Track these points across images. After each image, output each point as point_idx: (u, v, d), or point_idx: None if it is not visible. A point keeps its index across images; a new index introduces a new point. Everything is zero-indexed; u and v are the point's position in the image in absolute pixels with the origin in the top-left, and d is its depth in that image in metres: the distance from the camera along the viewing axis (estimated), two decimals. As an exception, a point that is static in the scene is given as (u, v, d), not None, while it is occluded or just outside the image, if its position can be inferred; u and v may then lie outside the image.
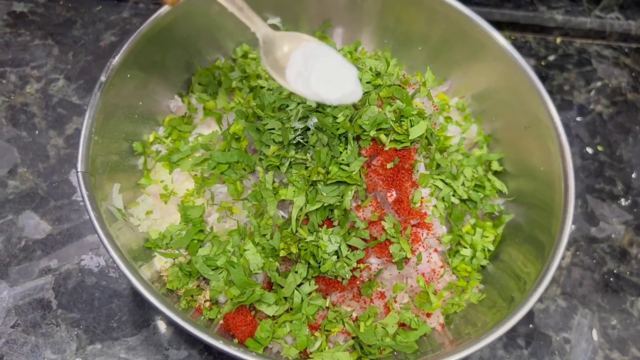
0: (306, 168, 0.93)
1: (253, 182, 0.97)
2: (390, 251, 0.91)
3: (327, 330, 0.93)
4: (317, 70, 0.86)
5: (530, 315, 1.12)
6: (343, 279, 0.91)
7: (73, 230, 1.11)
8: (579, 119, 1.40)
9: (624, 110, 1.43)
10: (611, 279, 1.18)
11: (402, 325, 0.96)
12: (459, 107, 1.20)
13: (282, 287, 0.91)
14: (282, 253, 0.91)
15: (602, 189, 1.30)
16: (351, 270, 0.91)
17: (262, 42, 0.89)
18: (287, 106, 0.97)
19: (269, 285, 0.94)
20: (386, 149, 0.92)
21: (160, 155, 1.05)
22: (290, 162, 0.94)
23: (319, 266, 0.90)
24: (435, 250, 0.98)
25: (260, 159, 0.96)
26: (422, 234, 0.94)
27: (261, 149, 0.96)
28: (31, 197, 1.14)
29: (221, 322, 0.93)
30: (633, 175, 1.32)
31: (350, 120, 0.93)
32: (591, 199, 1.28)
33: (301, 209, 0.91)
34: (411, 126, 0.93)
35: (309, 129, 0.94)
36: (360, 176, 0.91)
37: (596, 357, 1.10)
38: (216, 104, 1.09)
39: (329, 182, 0.91)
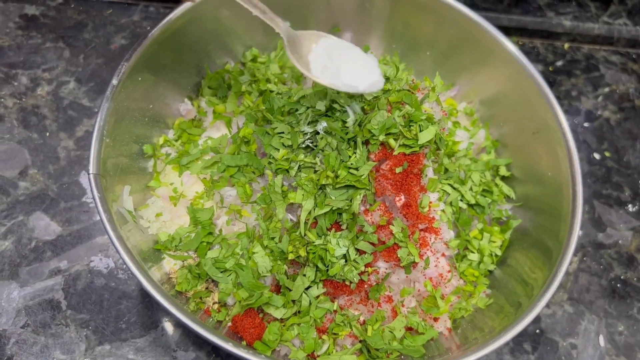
0: (315, 172, 0.94)
1: (262, 186, 0.98)
2: (398, 255, 0.91)
3: (335, 334, 0.93)
4: (344, 63, 0.91)
5: (537, 321, 1.12)
6: (351, 282, 0.92)
7: (83, 231, 1.12)
8: (586, 124, 1.40)
9: (631, 116, 1.43)
10: (618, 285, 1.18)
11: (409, 329, 0.96)
12: (467, 112, 1.20)
13: (290, 290, 0.92)
14: (291, 256, 0.92)
15: (609, 194, 1.30)
16: (359, 274, 0.91)
17: (287, 42, 0.92)
18: (297, 110, 0.98)
19: (277, 288, 0.95)
20: (395, 153, 0.92)
21: (170, 158, 1.06)
22: (300, 165, 0.94)
23: (327, 269, 0.90)
24: (443, 254, 0.98)
25: (270, 163, 0.97)
26: (430, 238, 0.95)
27: (270, 152, 0.96)
28: (41, 198, 1.15)
29: (229, 324, 0.93)
30: (641, 181, 1.32)
31: (360, 125, 0.94)
32: (598, 204, 1.28)
33: (310, 213, 0.91)
34: (420, 131, 0.93)
35: (318, 133, 0.95)
36: (369, 180, 0.92)
37: (603, 363, 1.10)
38: (226, 107, 1.10)
39: (337, 186, 0.91)
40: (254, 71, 1.14)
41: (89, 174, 0.88)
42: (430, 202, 0.95)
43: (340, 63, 0.92)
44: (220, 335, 0.81)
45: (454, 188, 1.03)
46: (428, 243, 0.94)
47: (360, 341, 0.94)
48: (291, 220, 0.95)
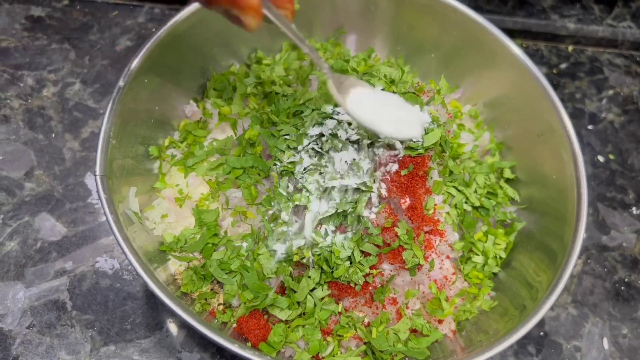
0: (320, 174, 0.94)
1: (267, 187, 0.98)
2: (403, 257, 0.91)
3: (340, 336, 0.93)
4: (384, 112, 0.92)
5: (541, 323, 1.12)
6: (356, 284, 0.92)
7: (88, 232, 1.13)
8: (590, 127, 1.41)
9: (635, 119, 1.43)
10: (622, 288, 1.18)
11: (413, 331, 0.96)
12: (471, 114, 1.20)
13: (295, 292, 0.92)
14: (296, 258, 0.92)
15: (613, 197, 1.30)
16: (364, 276, 0.92)
17: (330, 81, 0.91)
18: (302, 112, 0.99)
19: (282, 290, 0.95)
20: (400, 156, 0.92)
21: (175, 160, 1.07)
22: (305, 167, 0.95)
23: (332, 271, 0.91)
24: (448, 257, 0.98)
25: (275, 164, 0.97)
26: (435, 240, 0.95)
27: (276, 154, 0.97)
28: (47, 199, 1.15)
29: (234, 325, 0.93)
30: (645, 184, 1.32)
31: (365, 127, 0.94)
32: (602, 207, 1.28)
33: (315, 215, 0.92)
34: (425, 133, 0.93)
35: (323, 135, 0.95)
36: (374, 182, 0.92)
37: (607, 366, 1.10)
38: (231, 109, 1.10)
39: (343, 188, 0.91)
40: (259, 73, 1.15)
41: (95, 175, 0.88)
42: (435, 205, 0.96)
43: (382, 112, 0.92)
44: (226, 336, 0.81)
45: (459, 190, 1.03)
46: (433, 245, 0.95)
47: (364, 343, 0.94)
48: (296, 222, 0.95)
